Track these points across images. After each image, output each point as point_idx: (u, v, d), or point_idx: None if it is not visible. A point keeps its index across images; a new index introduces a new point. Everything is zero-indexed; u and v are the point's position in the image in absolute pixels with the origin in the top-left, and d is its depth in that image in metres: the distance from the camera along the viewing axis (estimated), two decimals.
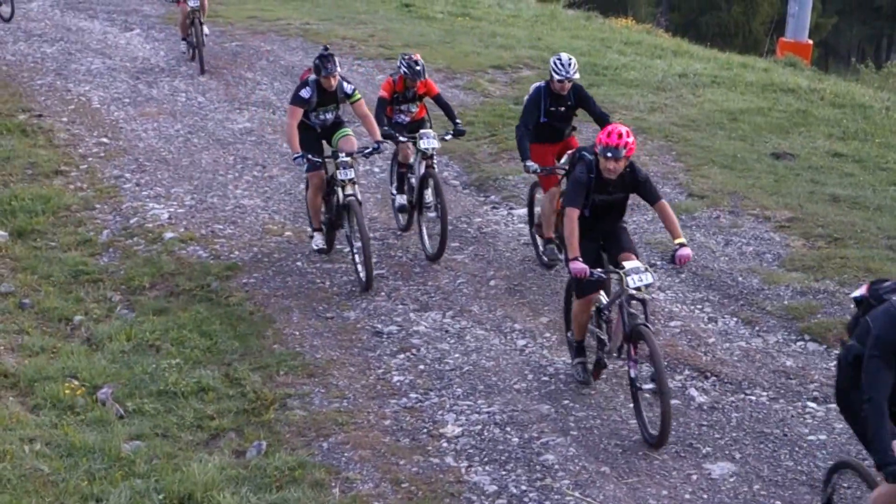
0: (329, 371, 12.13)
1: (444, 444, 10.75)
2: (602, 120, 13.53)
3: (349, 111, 14.78)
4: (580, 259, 10.46)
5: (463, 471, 10.35)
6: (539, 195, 14.27)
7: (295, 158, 13.75)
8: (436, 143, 14.60)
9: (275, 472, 10.30)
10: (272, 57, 23.38)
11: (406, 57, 14.82)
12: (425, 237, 14.81)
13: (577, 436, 10.85)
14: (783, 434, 10.80)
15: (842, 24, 63.09)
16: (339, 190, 13.96)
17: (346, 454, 10.63)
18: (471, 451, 10.65)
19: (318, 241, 14.55)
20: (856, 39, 66.69)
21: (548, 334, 12.79)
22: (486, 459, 10.52)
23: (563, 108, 13.84)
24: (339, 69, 14.01)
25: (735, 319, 12.94)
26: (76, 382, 11.89)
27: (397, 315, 13.24)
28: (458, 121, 15.05)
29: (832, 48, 65.70)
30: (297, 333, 12.98)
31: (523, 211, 16.06)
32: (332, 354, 12.44)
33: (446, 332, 12.90)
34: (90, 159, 18.15)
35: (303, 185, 17.01)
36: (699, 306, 13.37)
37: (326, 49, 14.11)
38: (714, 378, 11.68)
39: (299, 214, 16.01)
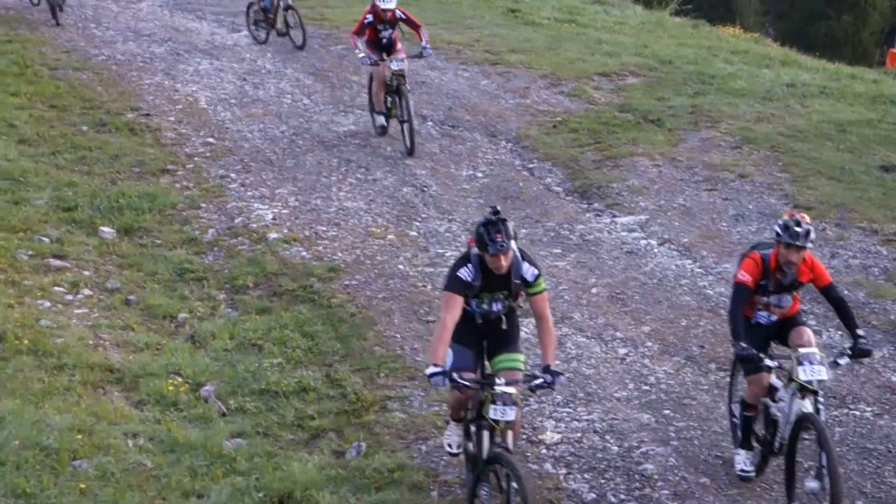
0: None
1: (543, 451, 10.73)
2: None
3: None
4: None
5: (562, 478, 10.33)
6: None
7: (431, 376, 9.10)
8: (825, 374, 9.67)
9: (374, 474, 10.36)
10: None
11: (786, 215, 9.94)
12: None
13: (678, 446, 10.80)
14: (887, 450, 10.66)
15: None
16: (485, 435, 9.45)
17: (444, 458, 10.63)
18: (570, 458, 10.63)
19: (453, 436, 10.16)
20: None
21: (649, 343, 12.72)
22: (584, 467, 10.50)
23: None
24: (514, 241, 9.47)
25: (839, 333, 12.73)
26: (180, 379, 12.02)
27: None
28: (860, 331, 9.96)
29: None
30: (398, 336, 13.01)
31: (627, 219, 16.02)
32: None
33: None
34: (196, 159, 18.34)
35: (407, 189, 17.09)
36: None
37: (496, 212, 9.40)
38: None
39: (402, 217, 16.06)
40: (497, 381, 9.28)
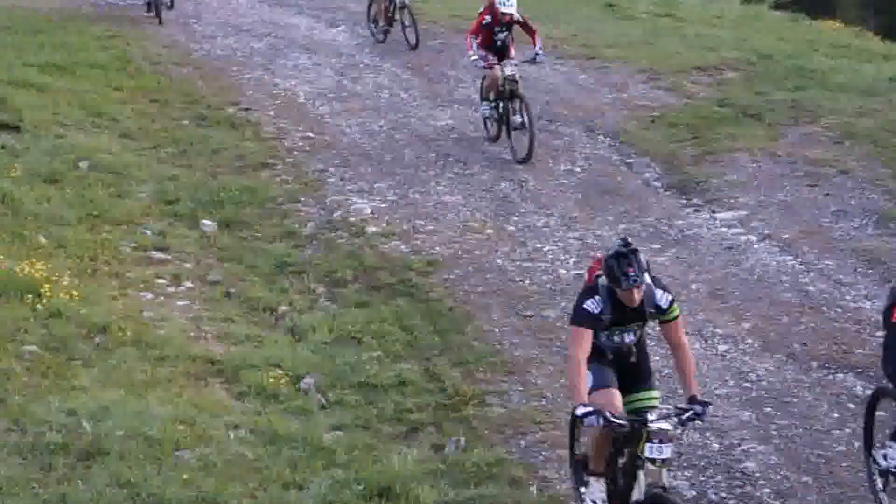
0: (527, 369, 12.15)
1: None
2: None
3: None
4: None
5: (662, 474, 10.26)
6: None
7: (584, 416, 8.51)
8: None
9: (472, 468, 10.37)
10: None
11: None
12: None
13: (779, 444, 10.71)
14: None
15: None
16: (640, 474, 8.80)
17: (543, 453, 10.65)
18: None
19: (596, 492, 9.30)
20: None
21: (750, 340, 12.62)
22: (685, 464, 10.45)
23: None
24: (647, 273, 8.85)
25: None
26: (280, 371, 12.11)
27: None
28: None
29: None
30: (497, 331, 13.02)
31: (726, 214, 15.90)
32: (531, 353, 12.46)
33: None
34: (295, 153, 18.46)
35: (504, 184, 17.07)
36: None
37: (626, 244, 8.75)
38: None
39: (500, 212, 16.05)
40: (649, 417, 8.59)
